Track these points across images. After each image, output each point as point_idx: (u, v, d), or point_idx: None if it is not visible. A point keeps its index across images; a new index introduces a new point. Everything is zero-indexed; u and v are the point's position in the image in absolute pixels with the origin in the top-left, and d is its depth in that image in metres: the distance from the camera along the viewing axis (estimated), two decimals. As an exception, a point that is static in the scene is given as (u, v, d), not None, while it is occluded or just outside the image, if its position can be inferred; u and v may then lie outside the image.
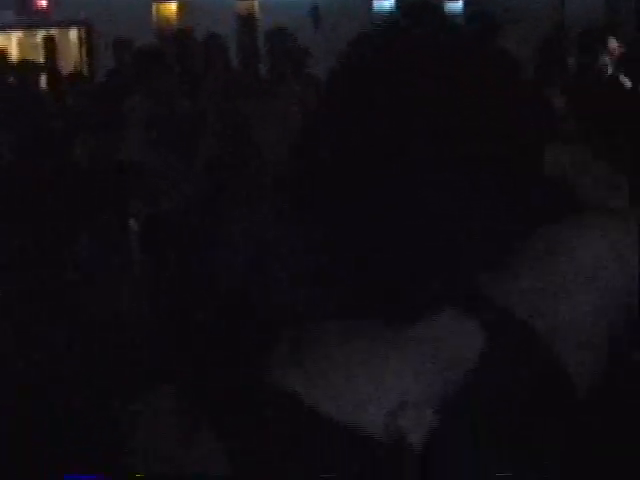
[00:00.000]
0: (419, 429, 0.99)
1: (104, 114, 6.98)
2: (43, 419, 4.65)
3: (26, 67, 7.96)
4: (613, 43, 6.57)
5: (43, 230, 6.24)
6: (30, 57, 11.58)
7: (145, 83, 6.62)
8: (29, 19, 12.26)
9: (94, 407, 4.23)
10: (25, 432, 4.45)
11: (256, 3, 12.85)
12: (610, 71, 6.39)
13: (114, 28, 10.96)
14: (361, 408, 0.99)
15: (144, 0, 12.01)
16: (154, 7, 12.04)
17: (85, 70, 12.19)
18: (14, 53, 11.59)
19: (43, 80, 7.84)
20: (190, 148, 6.53)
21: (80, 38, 12.77)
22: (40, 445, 4.31)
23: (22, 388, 4.82)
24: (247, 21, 12.65)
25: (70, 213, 6.45)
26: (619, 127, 5.24)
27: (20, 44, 12.61)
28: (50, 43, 12.33)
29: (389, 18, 1.17)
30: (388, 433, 0.98)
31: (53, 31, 12.91)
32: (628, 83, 6.17)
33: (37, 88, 7.70)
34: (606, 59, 6.42)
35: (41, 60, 11.41)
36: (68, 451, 4.20)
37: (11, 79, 7.94)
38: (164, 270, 6.54)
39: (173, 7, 12.07)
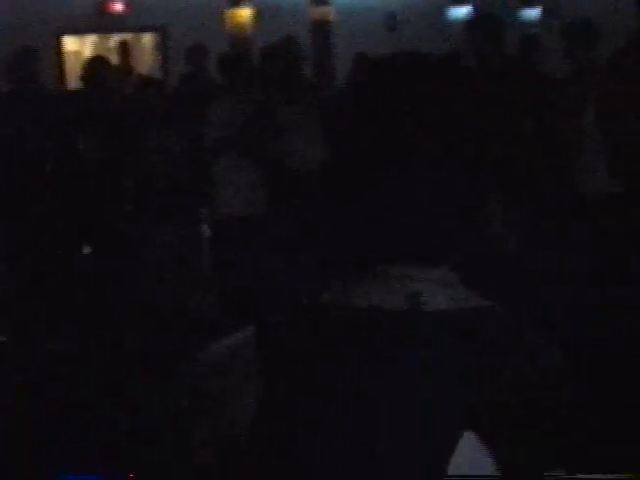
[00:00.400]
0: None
1: (178, 119, 6.98)
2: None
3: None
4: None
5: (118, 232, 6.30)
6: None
7: (232, 88, 6.59)
8: (104, 24, 12.35)
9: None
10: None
11: (331, 9, 12.80)
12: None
13: (188, 34, 11.00)
14: None
15: (218, 6, 12.03)
16: (228, 13, 12.05)
17: (159, 74, 12.25)
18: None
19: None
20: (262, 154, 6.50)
21: (154, 43, 12.85)
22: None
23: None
24: (321, 27, 12.60)
25: (144, 216, 6.49)
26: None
27: (95, 48, 12.71)
28: (124, 47, 12.40)
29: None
30: None
31: (127, 36, 13.00)
32: None
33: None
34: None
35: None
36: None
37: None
38: (234, 274, 6.55)
39: (246, 13, 12.07)
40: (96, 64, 7.06)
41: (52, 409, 4.61)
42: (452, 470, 1.18)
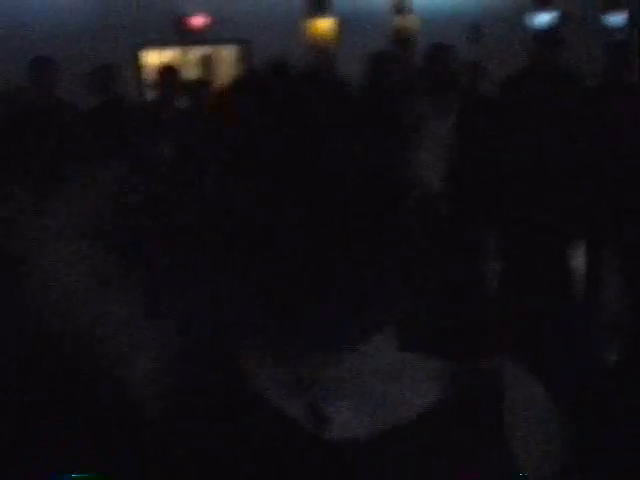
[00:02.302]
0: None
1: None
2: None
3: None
4: None
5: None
6: (186, 74, 11.68)
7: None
8: (185, 37, 12.35)
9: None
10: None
11: (413, 18, 12.61)
12: None
13: (269, 45, 10.90)
14: None
15: (299, 17, 11.93)
16: (309, 24, 11.94)
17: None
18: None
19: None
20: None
21: (236, 55, 12.80)
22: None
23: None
24: (403, 36, 12.42)
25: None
26: None
27: (175, 62, 12.69)
28: (206, 60, 12.37)
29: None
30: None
31: (209, 49, 12.98)
32: None
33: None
34: None
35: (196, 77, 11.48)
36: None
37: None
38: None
39: (328, 23, 11.94)
40: (166, 72, 7.01)
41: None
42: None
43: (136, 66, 11.63)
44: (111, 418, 4.31)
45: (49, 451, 4.02)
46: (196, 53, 13.29)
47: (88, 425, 4.53)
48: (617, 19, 13.97)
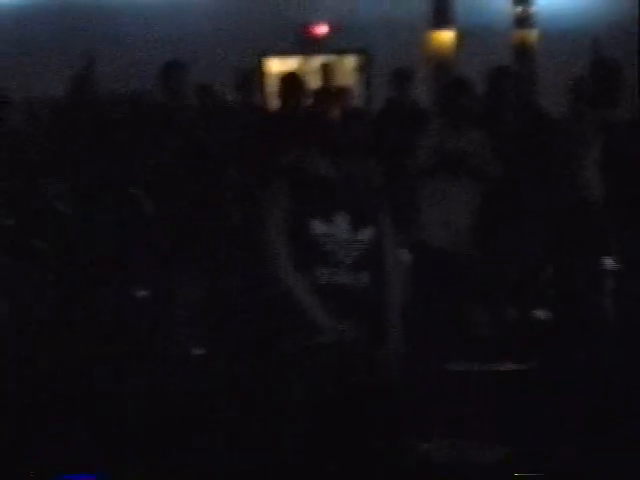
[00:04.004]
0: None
1: (384, 143, 6.95)
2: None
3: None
4: None
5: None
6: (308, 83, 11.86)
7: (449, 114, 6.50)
8: (307, 46, 12.53)
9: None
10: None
11: (534, 32, 12.56)
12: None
13: (391, 56, 11.01)
14: None
15: (420, 28, 12.00)
16: (430, 35, 12.00)
17: (362, 97, 12.32)
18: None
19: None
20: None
21: (357, 65, 12.93)
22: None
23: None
24: (524, 51, 12.38)
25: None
26: None
27: (297, 70, 12.88)
28: (327, 69, 12.52)
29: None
30: None
31: (330, 57, 13.12)
32: None
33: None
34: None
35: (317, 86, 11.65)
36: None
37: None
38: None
39: (449, 36, 11.98)
40: (289, 81, 7.12)
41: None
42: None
43: (261, 73, 11.85)
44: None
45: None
46: (317, 62, 13.46)
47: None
48: None
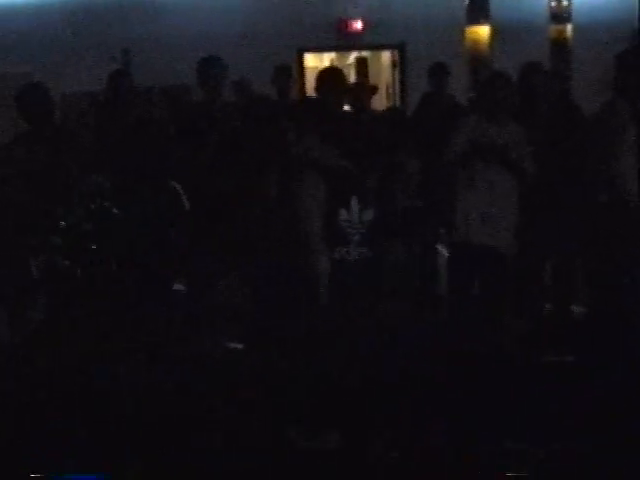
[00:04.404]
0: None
1: (419, 137, 6.98)
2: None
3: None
4: None
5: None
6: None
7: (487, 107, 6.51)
8: (343, 41, 12.56)
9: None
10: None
11: (570, 27, 12.50)
12: None
13: (426, 51, 11.02)
14: None
15: (456, 23, 11.98)
16: (466, 30, 11.97)
17: (398, 92, 12.34)
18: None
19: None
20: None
21: (392, 60, 12.94)
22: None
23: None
24: (560, 45, 12.33)
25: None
26: None
27: (333, 65, 12.92)
28: (362, 65, 12.55)
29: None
30: None
31: (366, 53, 13.16)
32: None
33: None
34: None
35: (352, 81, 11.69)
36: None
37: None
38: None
39: (485, 31, 11.95)
40: (329, 75, 7.11)
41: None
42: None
43: (298, 68, 11.90)
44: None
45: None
46: (353, 56, 13.51)
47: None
48: None
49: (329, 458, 4.61)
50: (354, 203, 5.82)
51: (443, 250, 7.13)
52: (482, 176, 6.35)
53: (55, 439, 4.50)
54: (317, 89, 6.94)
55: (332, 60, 13.61)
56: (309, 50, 12.50)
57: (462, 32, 11.99)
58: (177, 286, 6.62)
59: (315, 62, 12.85)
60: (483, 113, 6.48)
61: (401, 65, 12.63)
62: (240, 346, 6.29)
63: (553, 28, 12.43)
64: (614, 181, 6.26)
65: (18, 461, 4.36)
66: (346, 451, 4.65)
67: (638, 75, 6.35)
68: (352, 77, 12.76)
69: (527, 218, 6.47)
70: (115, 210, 5.51)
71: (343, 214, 5.81)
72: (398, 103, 12.21)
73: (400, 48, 12.61)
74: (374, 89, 7.97)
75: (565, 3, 12.43)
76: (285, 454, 4.62)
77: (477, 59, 11.68)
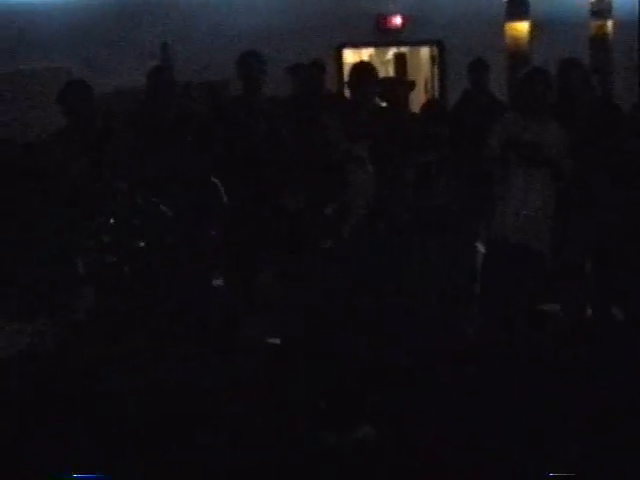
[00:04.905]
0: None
1: (459, 134, 6.95)
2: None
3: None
4: None
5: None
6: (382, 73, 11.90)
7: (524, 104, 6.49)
8: (382, 37, 12.55)
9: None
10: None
11: (610, 23, 12.41)
12: None
13: (466, 47, 10.98)
14: None
15: (496, 19, 11.93)
16: (506, 26, 11.92)
17: (437, 88, 12.31)
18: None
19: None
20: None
21: (431, 56, 12.91)
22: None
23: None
24: (600, 41, 12.25)
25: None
26: None
27: (372, 61, 12.91)
28: (401, 60, 12.54)
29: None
30: None
31: (404, 49, 13.13)
32: None
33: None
34: None
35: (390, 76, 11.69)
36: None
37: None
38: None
39: (525, 27, 11.89)
40: (362, 70, 7.10)
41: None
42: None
43: (338, 64, 11.91)
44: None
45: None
46: (391, 52, 13.49)
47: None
48: None
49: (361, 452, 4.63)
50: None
51: (482, 248, 7.10)
52: (519, 173, 6.32)
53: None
54: (349, 84, 6.96)
55: (371, 56, 13.60)
56: (348, 46, 12.49)
57: (502, 28, 11.94)
58: (216, 282, 6.66)
59: (354, 58, 12.84)
60: (520, 110, 6.45)
61: (440, 61, 12.60)
62: (278, 341, 6.32)
63: (593, 24, 12.35)
64: None
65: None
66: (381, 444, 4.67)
67: None
68: (391, 73, 12.77)
69: (564, 216, 6.44)
70: (162, 207, 5.54)
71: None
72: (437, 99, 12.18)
73: (439, 44, 12.58)
74: (412, 84, 7.95)
75: (605, -1, 12.36)
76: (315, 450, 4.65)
77: (517, 55, 11.62)
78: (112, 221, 5.37)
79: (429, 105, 8.00)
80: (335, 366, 5.21)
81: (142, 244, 5.35)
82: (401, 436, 4.70)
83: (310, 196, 5.75)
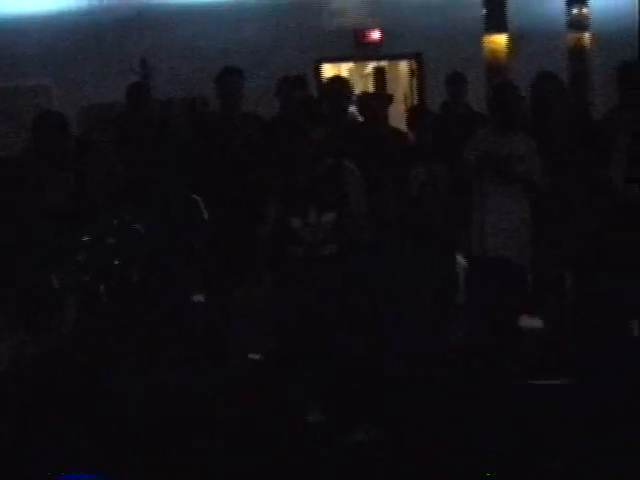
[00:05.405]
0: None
1: (437, 146, 6.98)
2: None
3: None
4: None
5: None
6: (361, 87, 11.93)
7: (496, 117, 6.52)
8: (361, 51, 12.56)
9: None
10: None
11: (587, 35, 12.47)
12: None
13: (444, 60, 11.02)
14: None
15: (474, 33, 11.97)
16: (484, 39, 11.96)
17: (416, 101, 12.32)
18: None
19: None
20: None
21: (410, 70, 12.94)
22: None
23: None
24: (578, 54, 12.30)
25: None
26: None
27: (350, 75, 12.95)
28: (380, 74, 12.55)
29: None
30: None
31: (383, 63, 13.15)
32: None
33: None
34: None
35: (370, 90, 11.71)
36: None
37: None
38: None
39: (503, 40, 11.94)
40: (335, 84, 7.13)
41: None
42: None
43: (317, 79, 11.91)
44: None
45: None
46: (371, 67, 13.51)
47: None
48: None
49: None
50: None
51: (462, 261, 7.11)
52: (493, 187, 6.35)
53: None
54: (324, 97, 6.99)
55: (350, 70, 13.62)
56: (327, 61, 12.51)
57: (480, 41, 11.97)
58: (196, 297, 6.64)
59: (333, 73, 12.86)
60: (492, 124, 6.48)
61: (419, 74, 12.62)
62: (259, 357, 6.31)
63: (571, 36, 12.39)
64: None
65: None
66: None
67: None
68: (370, 87, 12.79)
69: (540, 228, 6.46)
70: (136, 225, 5.52)
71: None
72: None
73: (418, 57, 12.60)
74: (390, 98, 7.97)
75: (583, 11, 12.39)
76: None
77: (495, 68, 11.66)
78: (86, 239, 5.36)
79: (416, 111, 8.04)
80: (327, 369, 5.23)
81: (117, 262, 5.33)
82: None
83: (295, 209, 5.71)
